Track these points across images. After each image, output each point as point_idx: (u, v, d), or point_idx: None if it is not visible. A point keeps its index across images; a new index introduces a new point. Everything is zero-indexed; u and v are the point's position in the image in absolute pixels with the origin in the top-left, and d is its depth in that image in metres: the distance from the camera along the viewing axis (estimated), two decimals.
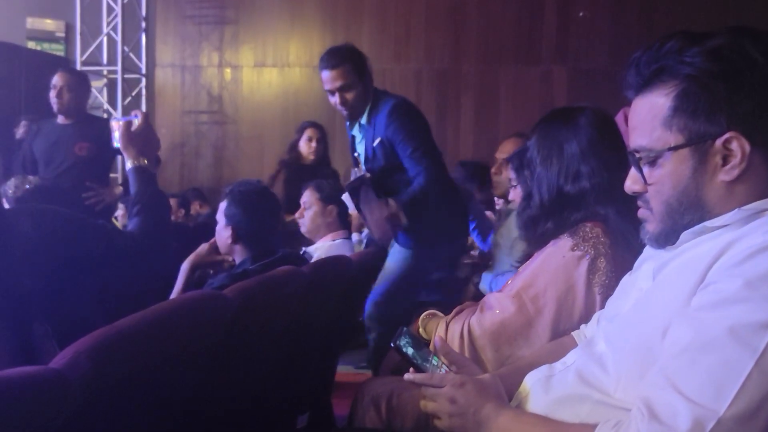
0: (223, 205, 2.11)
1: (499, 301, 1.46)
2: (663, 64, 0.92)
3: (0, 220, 1.15)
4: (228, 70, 6.28)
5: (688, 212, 0.93)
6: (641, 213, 1.00)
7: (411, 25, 5.78)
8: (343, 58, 2.51)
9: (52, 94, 3.37)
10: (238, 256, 2.11)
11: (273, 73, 6.14)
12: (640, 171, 0.95)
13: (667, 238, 0.96)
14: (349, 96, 2.53)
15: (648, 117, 0.94)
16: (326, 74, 2.52)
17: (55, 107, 3.42)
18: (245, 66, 6.23)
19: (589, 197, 1.40)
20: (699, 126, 0.89)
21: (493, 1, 5.77)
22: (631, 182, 0.99)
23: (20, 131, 4.08)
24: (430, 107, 5.56)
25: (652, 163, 0.94)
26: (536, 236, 1.48)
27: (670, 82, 0.91)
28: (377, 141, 2.55)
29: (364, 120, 2.60)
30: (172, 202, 5.38)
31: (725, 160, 0.89)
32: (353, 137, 2.74)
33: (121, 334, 0.94)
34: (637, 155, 0.95)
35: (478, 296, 2.52)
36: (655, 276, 0.99)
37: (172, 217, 5.19)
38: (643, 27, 5.60)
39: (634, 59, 0.95)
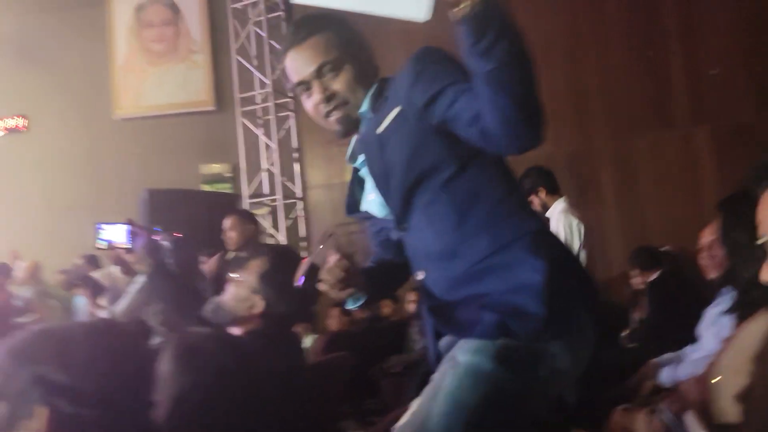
0: None
1: None
2: None
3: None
4: None
5: None
6: None
7: None
8: (317, 26, 1.43)
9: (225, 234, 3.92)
10: None
11: None
12: None
13: None
14: (338, 84, 1.42)
15: None
16: (293, 56, 1.43)
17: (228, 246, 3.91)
18: None
19: None
20: None
21: (612, 76, 5.71)
22: None
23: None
24: (567, 191, 5.50)
25: None
26: (742, 311, 1.50)
27: None
28: (395, 113, 1.35)
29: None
30: None
31: None
32: (355, 181, 1.56)
33: None
34: None
35: None
36: None
37: None
38: None
39: None
